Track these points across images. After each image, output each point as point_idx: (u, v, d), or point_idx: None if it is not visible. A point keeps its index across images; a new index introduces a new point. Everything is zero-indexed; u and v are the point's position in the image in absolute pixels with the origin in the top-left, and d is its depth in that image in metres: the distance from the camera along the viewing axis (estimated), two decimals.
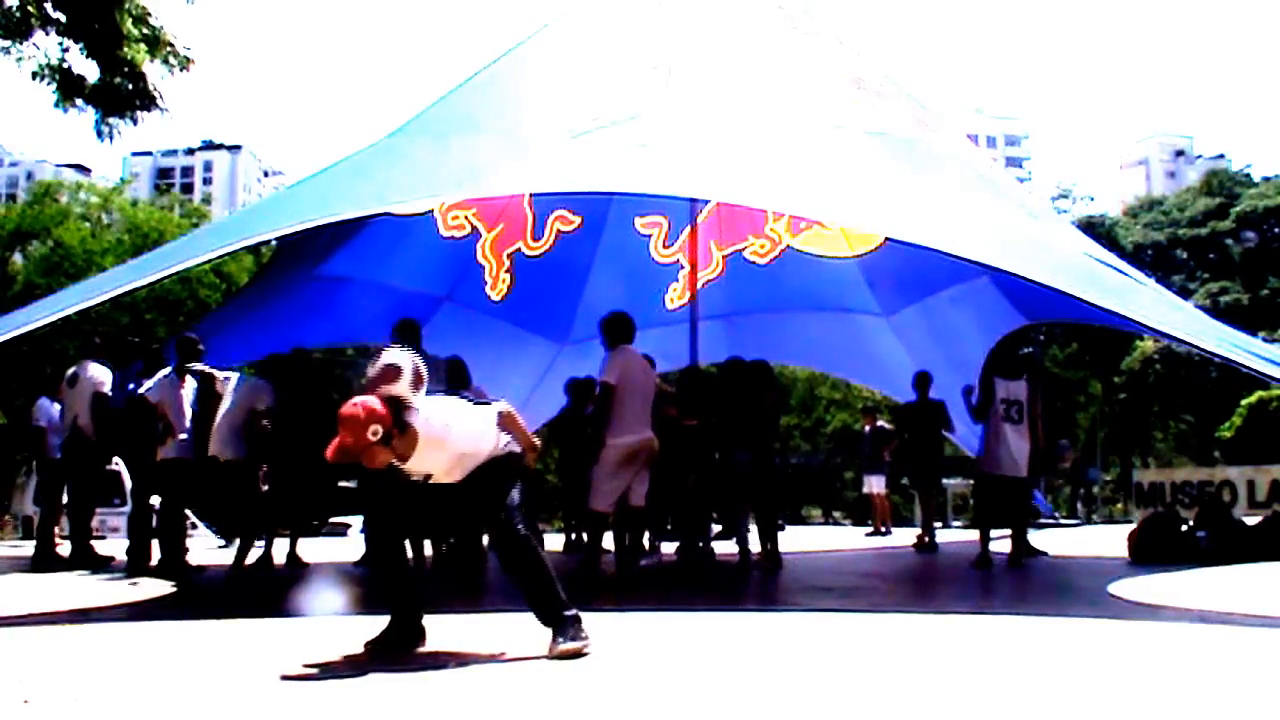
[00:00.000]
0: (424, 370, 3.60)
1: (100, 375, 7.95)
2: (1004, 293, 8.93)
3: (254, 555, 7.77)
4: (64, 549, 8.13)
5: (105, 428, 7.87)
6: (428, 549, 7.43)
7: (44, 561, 7.84)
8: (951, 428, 9.74)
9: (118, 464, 9.83)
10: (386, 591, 3.79)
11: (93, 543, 8.30)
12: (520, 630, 4.45)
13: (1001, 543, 7.63)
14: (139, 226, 28.51)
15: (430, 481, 3.64)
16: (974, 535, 8.05)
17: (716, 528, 8.96)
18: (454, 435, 3.57)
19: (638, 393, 6.56)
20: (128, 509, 8.52)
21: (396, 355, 3.58)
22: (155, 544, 7.59)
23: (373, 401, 3.40)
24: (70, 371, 8.17)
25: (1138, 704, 2.80)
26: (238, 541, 7.52)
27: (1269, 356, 5.62)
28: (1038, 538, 8.65)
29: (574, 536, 9.70)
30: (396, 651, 3.57)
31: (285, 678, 3.19)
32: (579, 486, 8.41)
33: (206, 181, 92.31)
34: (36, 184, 34.43)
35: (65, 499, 8.34)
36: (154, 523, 7.70)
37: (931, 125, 7.59)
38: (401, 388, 3.48)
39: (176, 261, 6.56)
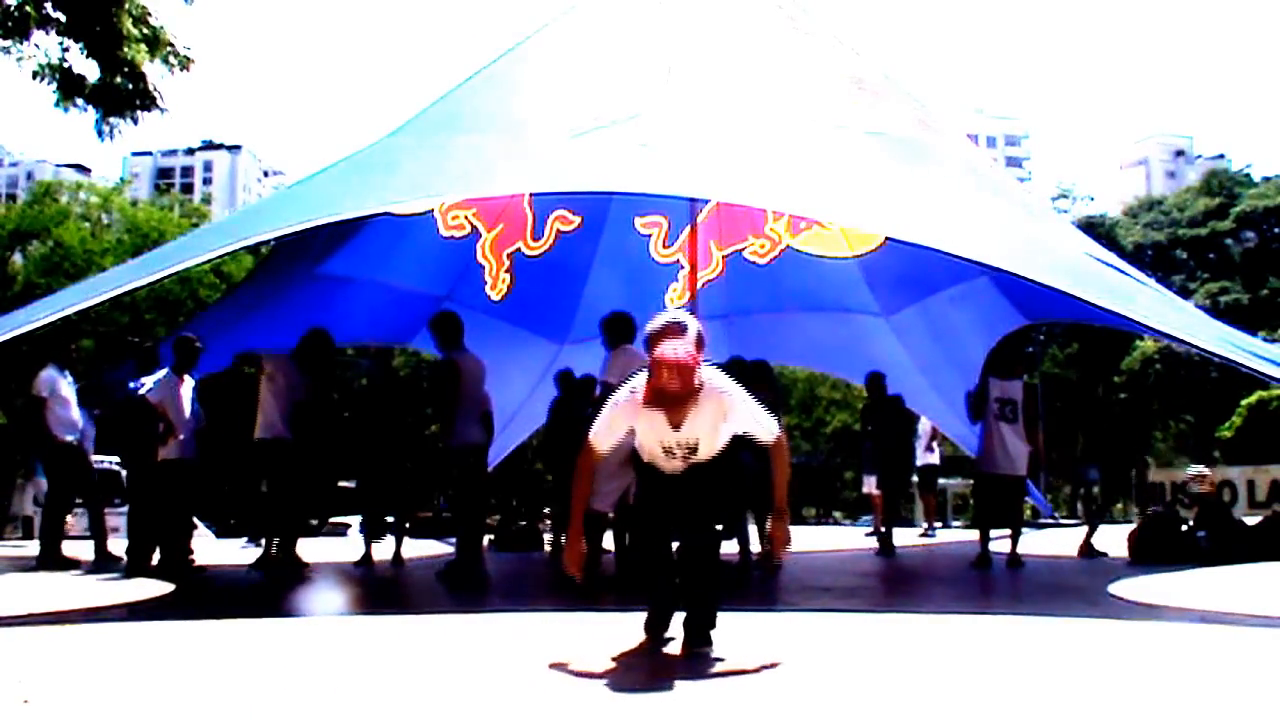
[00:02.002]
0: (705, 334, 3.59)
1: (42, 379, 7.92)
2: (1004, 293, 8.93)
3: (253, 555, 7.79)
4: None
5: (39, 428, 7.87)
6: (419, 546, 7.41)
7: (48, 561, 7.81)
8: (913, 421, 9.69)
9: (115, 463, 9.82)
10: (650, 590, 3.73)
11: (63, 544, 8.18)
12: (519, 630, 4.45)
13: (1001, 542, 7.63)
14: (139, 226, 28.54)
15: (680, 467, 3.58)
16: (973, 535, 8.05)
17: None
18: (737, 399, 3.51)
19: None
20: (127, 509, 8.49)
21: (680, 314, 3.57)
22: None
23: (689, 351, 3.36)
24: None
25: (1138, 704, 2.80)
26: (270, 537, 7.47)
27: (1269, 356, 5.62)
28: (1039, 537, 8.65)
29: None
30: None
31: (284, 678, 3.19)
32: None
33: (206, 181, 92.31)
34: (36, 184, 34.47)
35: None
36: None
37: (931, 125, 7.58)
38: (690, 345, 3.43)
39: (176, 261, 6.55)
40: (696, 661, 3.43)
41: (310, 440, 7.31)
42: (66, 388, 7.99)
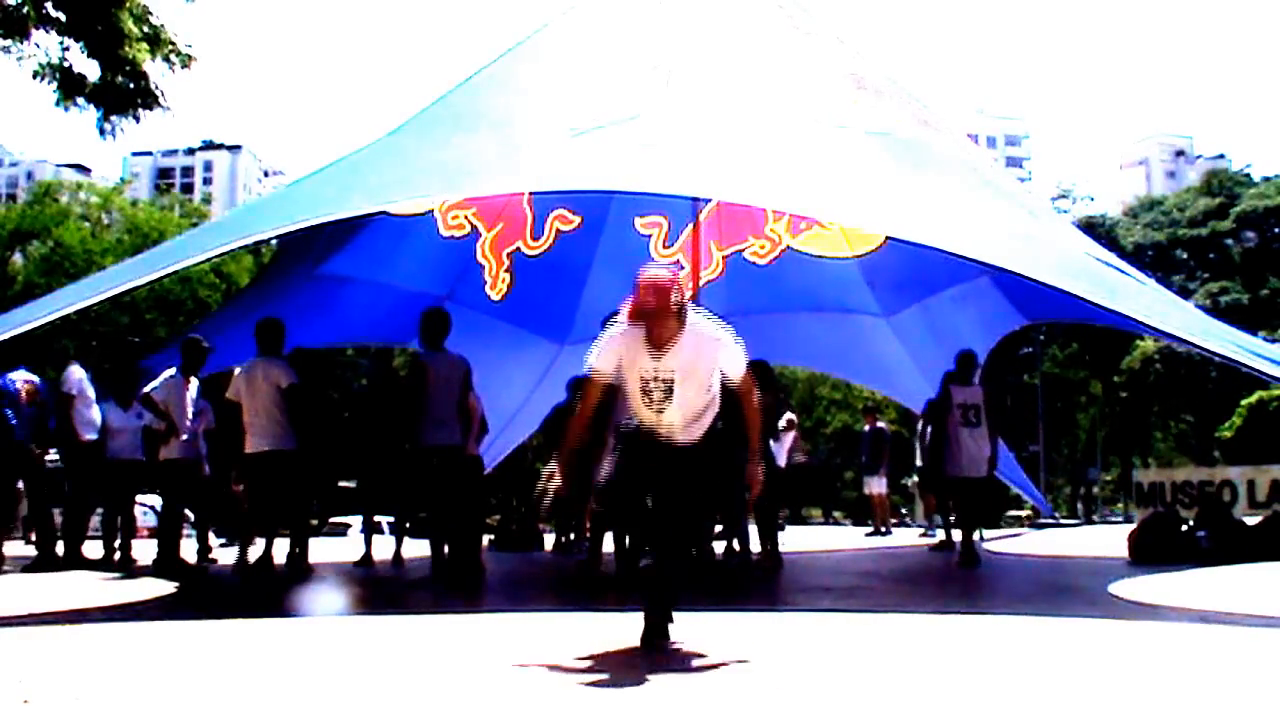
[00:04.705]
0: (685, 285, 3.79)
1: (71, 378, 7.93)
2: (1004, 293, 8.93)
3: (254, 555, 7.78)
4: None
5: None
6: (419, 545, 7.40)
7: (70, 560, 7.81)
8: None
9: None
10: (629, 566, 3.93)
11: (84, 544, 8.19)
12: (520, 629, 4.45)
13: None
14: (139, 226, 28.61)
15: (663, 421, 3.74)
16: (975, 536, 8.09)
17: (717, 528, 8.95)
18: (722, 344, 3.71)
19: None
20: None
21: (669, 266, 3.82)
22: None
23: (670, 271, 3.65)
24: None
25: (1138, 704, 2.80)
26: (280, 538, 7.44)
27: (1269, 356, 5.62)
28: (1040, 537, 8.66)
29: (565, 539, 9.69)
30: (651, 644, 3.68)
31: (284, 677, 3.19)
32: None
33: (206, 181, 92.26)
34: (36, 184, 34.55)
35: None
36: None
37: (932, 125, 7.58)
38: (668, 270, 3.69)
39: (176, 261, 6.56)
40: (696, 661, 3.43)
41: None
42: (89, 387, 8.01)
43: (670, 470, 3.80)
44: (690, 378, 3.69)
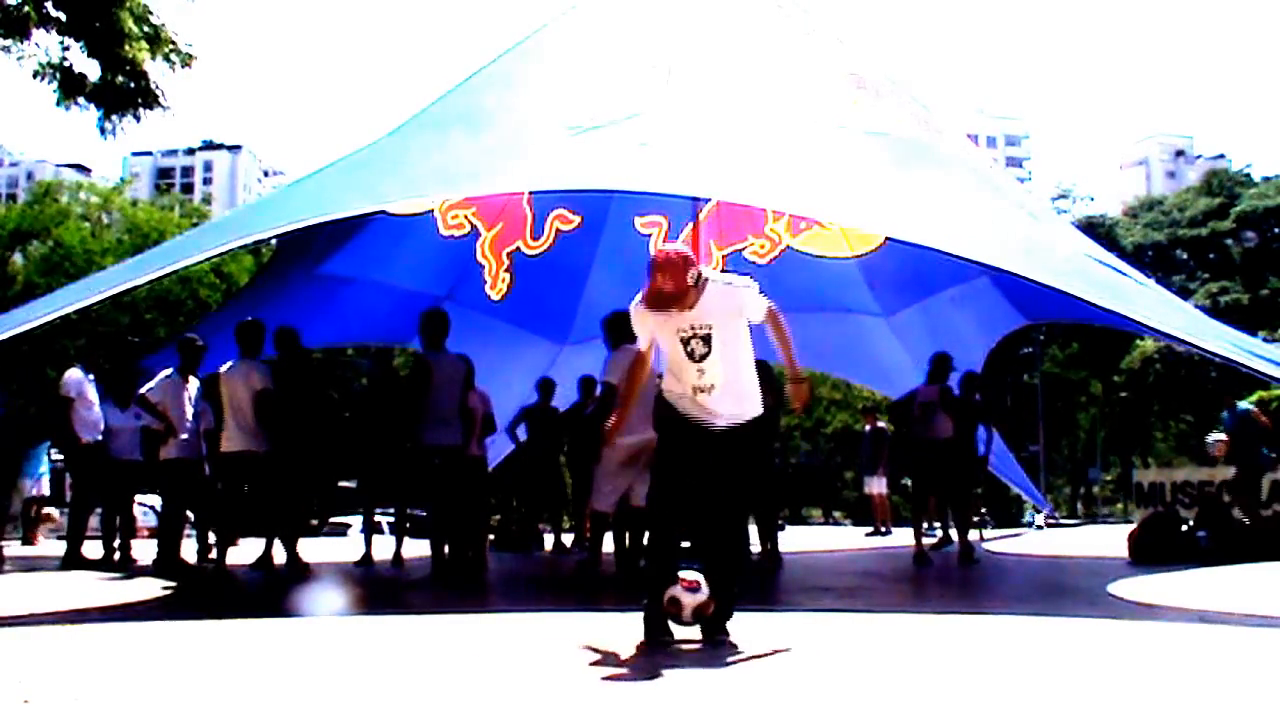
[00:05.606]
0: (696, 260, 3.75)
1: (69, 381, 7.95)
2: (1004, 293, 8.93)
3: (255, 555, 7.79)
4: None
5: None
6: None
7: (70, 560, 7.81)
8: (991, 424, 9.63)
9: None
10: (653, 557, 3.85)
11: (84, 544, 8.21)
12: (520, 629, 4.45)
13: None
14: (139, 226, 28.59)
15: (706, 380, 3.69)
16: (973, 536, 8.10)
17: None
18: (742, 289, 3.73)
19: (641, 393, 6.55)
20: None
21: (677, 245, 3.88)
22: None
23: (680, 247, 3.65)
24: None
25: (1138, 704, 2.80)
26: (272, 539, 7.44)
27: (1269, 356, 5.62)
28: (1039, 537, 8.66)
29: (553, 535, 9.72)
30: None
31: (284, 678, 3.19)
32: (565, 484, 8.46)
33: (206, 181, 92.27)
34: (36, 184, 34.53)
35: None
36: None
37: (932, 125, 7.58)
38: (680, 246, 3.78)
39: (176, 261, 6.56)
40: (697, 661, 3.43)
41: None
42: (91, 389, 8.00)
43: (716, 462, 3.74)
44: (727, 323, 3.68)
